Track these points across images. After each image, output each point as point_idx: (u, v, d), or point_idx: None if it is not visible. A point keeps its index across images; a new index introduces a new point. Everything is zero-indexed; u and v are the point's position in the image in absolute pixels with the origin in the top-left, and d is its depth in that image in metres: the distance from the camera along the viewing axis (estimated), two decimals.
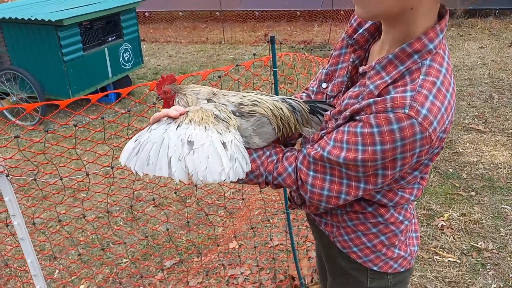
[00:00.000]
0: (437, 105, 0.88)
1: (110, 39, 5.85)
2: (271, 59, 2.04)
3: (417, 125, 0.86)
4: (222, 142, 0.95)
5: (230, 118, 1.04)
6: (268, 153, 1.09)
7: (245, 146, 1.03)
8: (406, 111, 0.86)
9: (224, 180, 0.90)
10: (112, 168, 1.80)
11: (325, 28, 9.34)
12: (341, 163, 0.96)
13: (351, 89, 1.05)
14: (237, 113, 1.07)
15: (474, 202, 3.31)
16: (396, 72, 0.93)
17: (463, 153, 4.02)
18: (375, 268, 1.18)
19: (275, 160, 1.08)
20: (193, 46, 9.07)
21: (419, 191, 1.11)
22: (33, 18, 4.89)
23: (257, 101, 1.08)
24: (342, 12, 8.16)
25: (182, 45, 9.18)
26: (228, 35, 9.49)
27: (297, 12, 10.34)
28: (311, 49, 7.90)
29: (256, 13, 10.62)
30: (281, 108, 1.09)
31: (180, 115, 1.00)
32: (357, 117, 0.95)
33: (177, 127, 0.96)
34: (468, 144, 4.19)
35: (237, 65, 1.97)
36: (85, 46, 5.44)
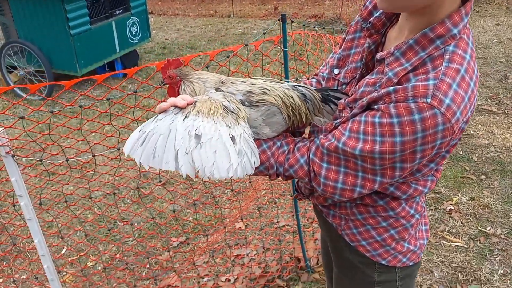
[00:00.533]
0: (461, 94, 0.83)
1: (117, 12, 5.75)
2: (282, 38, 1.97)
3: (439, 115, 0.82)
4: (231, 136, 0.91)
5: (240, 109, 0.99)
6: (278, 143, 1.04)
7: (254, 137, 0.99)
8: (429, 100, 0.82)
9: (232, 177, 0.87)
10: (119, 149, 1.78)
11: (336, 2, 9.11)
12: (356, 155, 0.92)
13: (367, 76, 0.99)
14: (246, 102, 1.02)
15: (483, 186, 3.26)
16: (417, 58, 0.87)
17: (475, 135, 3.95)
18: (383, 262, 1.15)
19: (286, 151, 1.03)
20: (201, 19, 8.92)
21: (432, 183, 1.07)
22: None
23: (267, 89, 1.03)
24: None
25: (190, 18, 9.03)
26: (237, 8, 9.31)
27: None
28: (322, 24, 7.73)
29: None
30: (292, 97, 1.04)
31: (188, 105, 0.96)
32: (375, 106, 0.90)
33: (184, 118, 0.92)
34: (480, 126, 4.11)
35: (246, 45, 1.91)
36: (92, 20, 5.36)
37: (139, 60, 6.35)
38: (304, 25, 2.22)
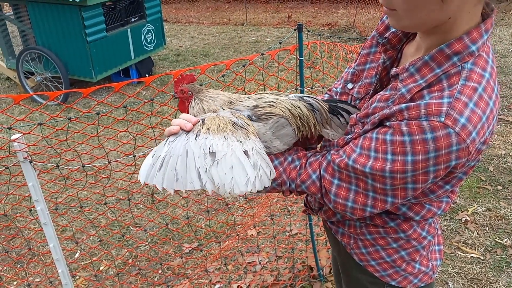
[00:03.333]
0: (478, 113, 0.80)
1: (133, 19, 5.83)
2: (298, 47, 1.98)
3: (453, 135, 0.78)
4: (244, 150, 0.91)
5: (248, 124, 0.98)
6: (290, 158, 1.03)
7: (266, 152, 0.98)
8: (442, 119, 0.78)
9: (251, 190, 0.87)
10: (134, 156, 1.80)
11: (350, 11, 9.11)
12: (367, 173, 0.89)
13: (381, 92, 0.96)
14: (253, 117, 1.01)
15: (500, 197, 3.21)
16: (432, 75, 0.84)
17: (491, 145, 3.89)
18: (393, 283, 1.12)
19: (298, 167, 1.01)
20: (215, 27, 8.99)
21: (447, 205, 1.04)
22: None
23: (273, 102, 1.02)
24: None
25: (204, 26, 9.11)
26: (250, 16, 9.36)
27: None
28: (336, 33, 7.74)
29: None
30: (299, 107, 1.02)
31: (194, 125, 0.96)
32: (387, 123, 0.87)
33: (196, 137, 0.92)
34: (496, 136, 4.05)
35: (262, 54, 1.91)
36: (108, 27, 5.44)
37: (154, 66, 6.42)
38: (319, 35, 2.22)
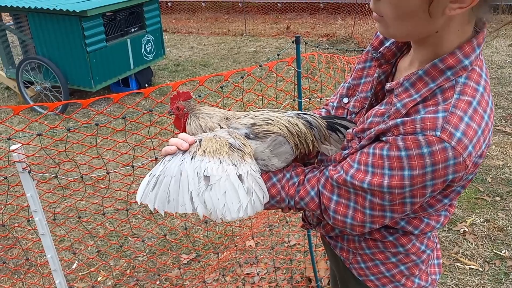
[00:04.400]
0: (473, 127, 0.80)
1: (132, 30, 5.86)
2: (296, 60, 1.99)
3: (450, 149, 0.79)
4: (238, 174, 0.91)
5: (245, 145, 0.98)
6: (288, 175, 1.02)
7: (264, 170, 0.98)
8: (438, 133, 0.79)
9: (242, 216, 0.87)
10: (133, 167, 1.80)
11: (348, 22, 9.18)
12: (365, 189, 0.89)
13: (376, 107, 0.97)
14: (251, 135, 1.01)
15: (498, 208, 3.21)
16: (427, 90, 0.85)
17: (489, 156, 3.90)
18: None
19: (297, 183, 1.01)
20: (214, 37, 9.04)
21: (446, 219, 1.04)
22: (58, 8, 4.94)
23: (271, 120, 1.02)
24: (366, 5, 8.00)
25: (204, 37, 9.16)
26: (249, 27, 9.43)
27: (321, 5, 10.20)
28: (334, 44, 7.79)
29: (278, 4, 10.52)
30: (297, 124, 1.02)
31: (190, 145, 0.96)
32: (383, 138, 0.88)
33: (191, 158, 0.92)
34: (494, 146, 4.06)
35: (260, 65, 1.93)
36: (108, 37, 5.47)
37: (153, 76, 6.44)
38: (317, 46, 2.24)
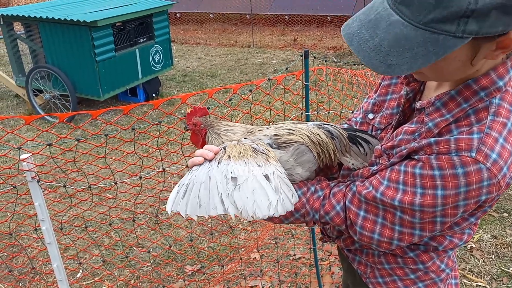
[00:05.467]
0: (508, 149, 0.81)
1: (141, 40, 5.92)
2: (304, 73, 2.01)
3: (485, 171, 0.79)
4: (264, 174, 0.92)
5: (269, 150, 1.00)
6: (313, 188, 1.02)
7: (289, 179, 0.99)
8: (473, 155, 0.79)
9: (273, 214, 0.88)
10: (141, 178, 1.81)
11: None
12: (396, 206, 0.89)
13: (406, 125, 0.96)
14: (274, 145, 1.02)
15: (506, 224, 3.18)
16: (459, 110, 0.85)
17: None
18: None
19: (322, 197, 1.00)
20: (222, 49, 9.12)
21: (469, 237, 1.03)
22: (68, 19, 5.01)
23: (292, 130, 1.04)
24: None
25: (211, 48, 9.23)
26: (257, 39, 9.49)
27: (328, 17, 10.26)
28: (341, 56, 7.82)
29: (286, 17, 10.59)
30: (318, 134, 1.04)
31: (216, 153, 0.98)
32: (416, 157, 0.87)
33: (218, 163, 0.94)
34: None
35: (269, 79, 1.94)
36: (117, 47, 5.53)
37: (161, 86, 6.49)
38: (325, 60, 2.26)
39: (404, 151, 0.90)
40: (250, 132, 1.06)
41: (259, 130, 1.07)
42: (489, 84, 0.84)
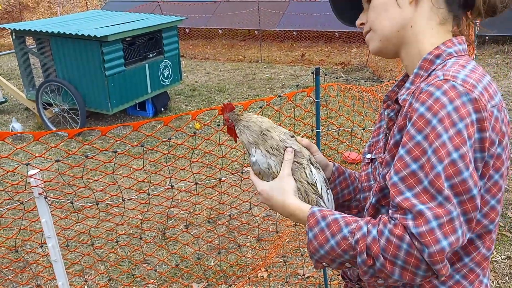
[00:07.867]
0: (474, 77, 0.85)
1: (151, 55, 5.97)
2: (315, 90, 1.99)
3: (458, 86, 0.82)
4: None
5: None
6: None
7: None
8: (441, 78, 0.84)
9: None
10: (149, 195, 1.78)
11: (363, 50, 9.23)
12: (428, 185, 0.81)
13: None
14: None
15: None
16: (423, 79, 0.93)
17: (509, 190, 3.81)
18: None
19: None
20: (230, 64, 9.16)
21: (491, 243, 0.96)
22: (79, 33, 5.06)
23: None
24: None
25: (220, 63, 9.29)
26: (265, 54, 9.54)
27: (336, 33, 10.30)
28: (349, 72, 7.82)
29: (294, 33, 10.65)
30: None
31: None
32: (406, 129, 0.87)
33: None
34: None
35: (279, 96, 1.92)
36: (126, 62, 5.57)
37: (169, 101, 6.51)
38: (336, 78, 2.25)
39: (397, 136, 0.92)
40: (268, 131, 1.09)
41: (274, 127, 1.11)
42: (441, 52, 0.94)
